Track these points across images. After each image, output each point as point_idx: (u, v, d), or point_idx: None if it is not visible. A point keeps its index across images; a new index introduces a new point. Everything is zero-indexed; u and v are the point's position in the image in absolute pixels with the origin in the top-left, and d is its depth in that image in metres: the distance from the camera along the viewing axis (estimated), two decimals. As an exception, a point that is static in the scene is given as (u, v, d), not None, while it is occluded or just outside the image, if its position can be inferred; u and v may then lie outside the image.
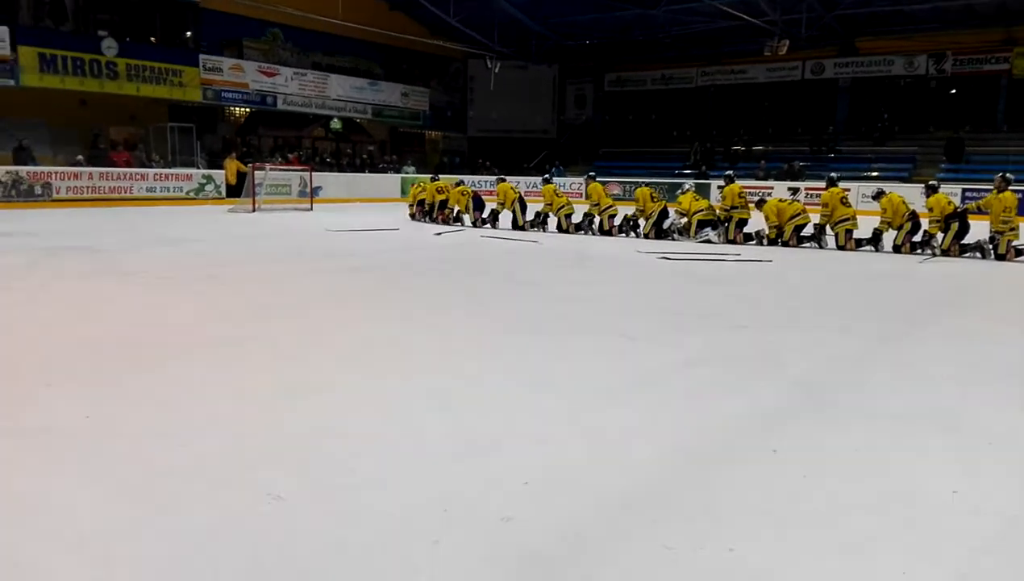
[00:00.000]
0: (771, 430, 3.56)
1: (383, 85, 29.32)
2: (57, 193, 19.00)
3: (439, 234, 13.77)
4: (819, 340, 5.50)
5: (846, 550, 2.44)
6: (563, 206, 14.39)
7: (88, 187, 19.61)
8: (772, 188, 23.00)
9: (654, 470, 3.07)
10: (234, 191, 21.46)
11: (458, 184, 16.84)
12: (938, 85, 26.80)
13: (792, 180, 23.28)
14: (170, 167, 22.24)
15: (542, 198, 14.89)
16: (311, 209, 20.57)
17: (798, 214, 12.27)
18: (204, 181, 22.11)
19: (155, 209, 19.51)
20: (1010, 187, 11.08)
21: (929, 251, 11.25)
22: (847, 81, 28.16)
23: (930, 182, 12.16)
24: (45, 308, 6.32)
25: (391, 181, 27.56)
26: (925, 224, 11.47)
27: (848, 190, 12.78)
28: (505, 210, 15.17)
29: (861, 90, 28.14)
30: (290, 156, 26.62)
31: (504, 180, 15.78)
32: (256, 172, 19.68)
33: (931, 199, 11.31)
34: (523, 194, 15.43)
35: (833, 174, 12.97)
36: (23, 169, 18.75)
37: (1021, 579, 2.31)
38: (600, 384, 4.25)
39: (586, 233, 14.29)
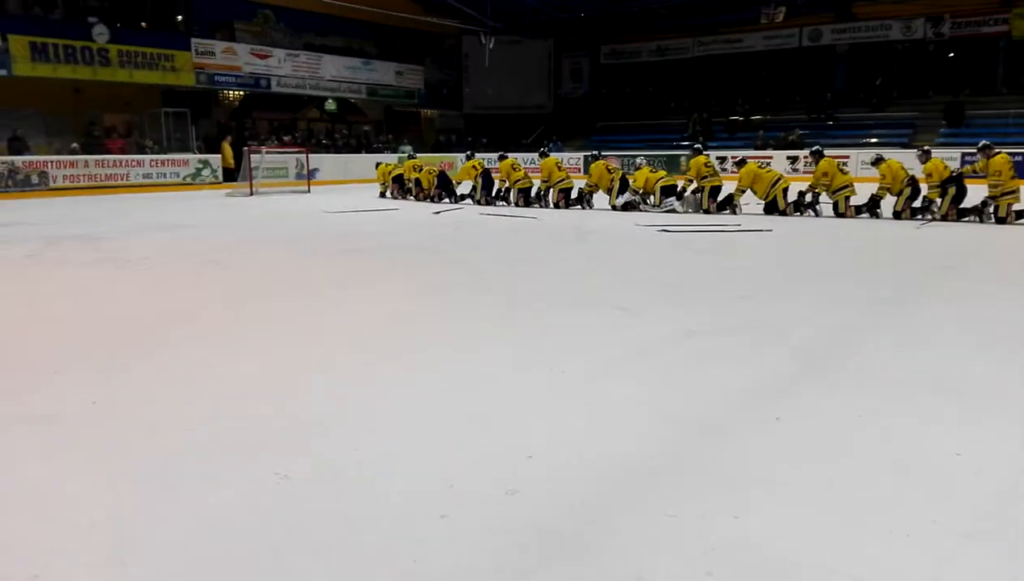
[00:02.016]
0: (774, 398, 3.58)
1: (377, 64, 29.11)
2: (53, 182, 18.95)
3: (438, 213, 13.75)
4: (821, 308, 5.51)
5: (850, 514, 2.46)
6: (520, 180, 14.73)
7: (84, 175, 19.55)
8: (771, 157, 22.95)
9: (657, 440, 3.09)
10: (231, 175, 21.40)
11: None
12: (936, 49, 26.56)
13: (792, 149, 23.22)
14: (165, 153, 22.15)
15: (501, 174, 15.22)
16: (308, 191, 20.51)
17: (777, 180, 12.30)
18: (200, 166, 22.04)
19: (152, 196, 19.46)
20: (1001, 151, 10.98)
21: (928, 216, 11.24)
22: (844, 48, 27.91)
23: (924, 147, 12.12)
24: (49, 297, 6.33)
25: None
26: (924, 189, 11.46)
27: (844, 159, 12.78)
28: (469, 184, 15.88)
29: (859, 56, 27.89)
30: (285, 138, 26.49)
31: (472, 157, 16.24)
32: (252, 155, 19.59)
33: (928, 164, 11.27)
34: (488, 169, 15.74)
35: (817, 147, 12.94)
36: (18, 159, 18.70)
37: (1023, 539, 2.33)
38: (601, 357, 4.26)
39: (542, 206, 14.46)
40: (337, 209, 14.56)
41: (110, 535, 2.38)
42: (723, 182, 13.02)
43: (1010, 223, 10.54)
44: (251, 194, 18.77)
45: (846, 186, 11.89)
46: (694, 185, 13.10)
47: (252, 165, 19.35)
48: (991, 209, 10.79)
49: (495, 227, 11.44)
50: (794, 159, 22.41)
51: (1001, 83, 25.38)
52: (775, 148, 24.33)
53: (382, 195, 17.71)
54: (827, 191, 12.11)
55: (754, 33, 28.54)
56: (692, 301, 5.84)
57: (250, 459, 2.92)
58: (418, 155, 19.20)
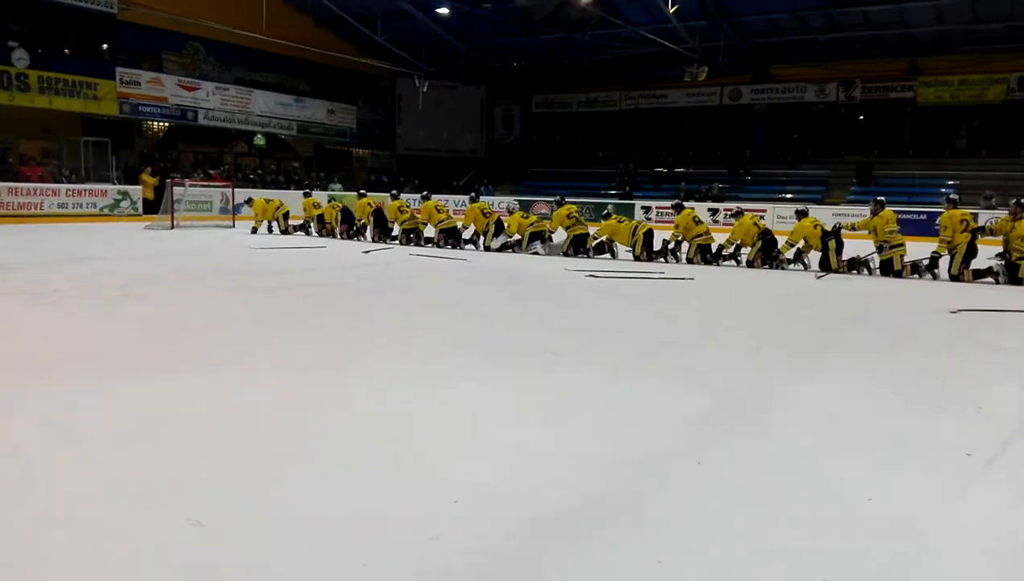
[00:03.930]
0: (697, 444, 3.64)
1: (309, 102, 28.96)
2: (-40, 209, 18.05)
3: (367, 252, 13.64)
4: (740, 355, 5.66)
5: (771, 559, 2.51)
6: (406, 221, 15.48)
7: (-5, 202, 18.69)
8: (693, 208, 23.68)
9: (582, 484, 3.10)
10: (152, 207, 20.80)
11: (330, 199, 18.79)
12: (848, 112, 28.13)
13: (714, 202, 24.10)
14: (83, 182, 21.39)
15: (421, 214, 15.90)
16: (233, 226, 20.09)
17: (635, 229, 13.47)
18: (120, 197, 21.35)
19: (68, 226, 18.69)
20: (887, 206, 11.87)
21: (792, 266, 12.26)
22: (763, 107, 29.28)
23: (799, 208, 13.15)
24: (-55, 329, 5.97)
25: (317, 198, 27.15)
26: (780, 241, 12.55)
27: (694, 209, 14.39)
28: (363, 223, 16.62)
29: (776, 116, 29.30)
30: (212, 172, 25.96)
31: (364, 195, 17.18)
32: (175, 188, 19.12)
33: (799, 225, 12.23)
34: (380, 208, 16.45)
35: (677, 201, 15.19)
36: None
37: (936, 579, 2.42)
38: (529, 400, 4.27)
39: (425, 245, 15.18)
40: (262, 245, 14.28)
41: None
42: (588, 231, 14.11)
43: (905, 276, 11.21)
44: (172, 227, 18.27)
45: (699, 235, 13.00)
46: (560, 233, 14.25)
47: (175, 198, 18.87)
48: (876, 262, 11.57)
49: (424, 268, 11.41)
50: (715, 211, 23.25)
51: (908, 146, 27.00)
52: (697, 201, 25.14)
53: (253, 230, 17.91)
54: (685, 239, 13.21)
55: (678, 90, 29.67)
56: (619, 346, 5.93)
57: (160, 504, 2.80)
58: (345, 193, 19.62)
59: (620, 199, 26.38)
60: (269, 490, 2.95)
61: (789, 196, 25.25)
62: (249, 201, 18.69)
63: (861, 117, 28.17)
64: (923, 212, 20.89)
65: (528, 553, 2.51)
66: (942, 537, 2.72)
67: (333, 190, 26.92)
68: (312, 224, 17.57)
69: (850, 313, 8.21)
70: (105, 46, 23.33)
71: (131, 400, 4.08)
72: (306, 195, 18.48)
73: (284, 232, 17.74)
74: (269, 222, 18.09)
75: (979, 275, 10.86)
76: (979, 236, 11.02)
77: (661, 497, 3.00)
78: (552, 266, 12.09)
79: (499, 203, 25.45)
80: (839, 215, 21.99)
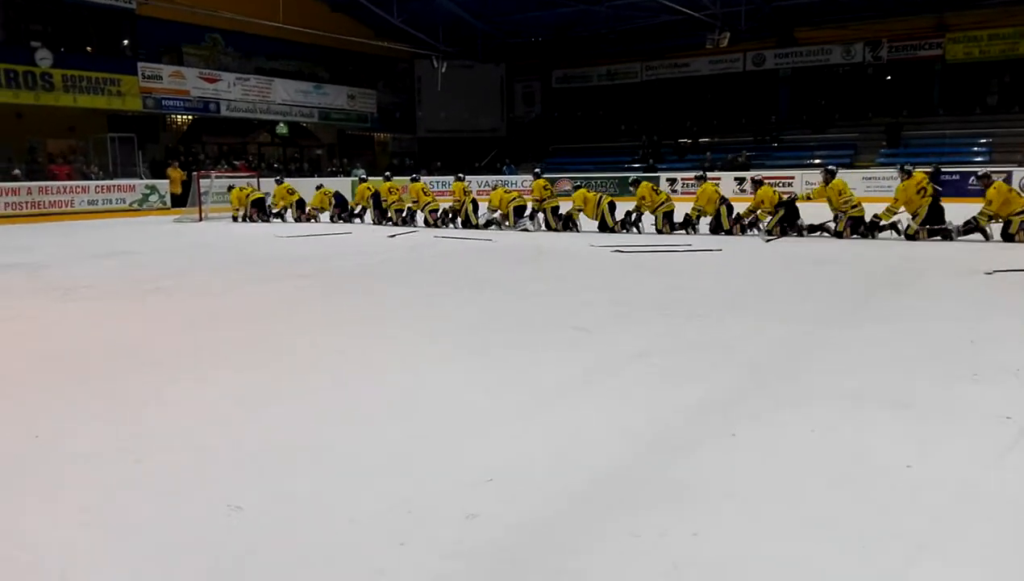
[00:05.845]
0: (730, 415, 3.62)
1: (329, 88, 29.00)
2: (-6, 209, 18.41)
3: (393, 236, 13.69)
4: (768, 325, 5.60)
5: (808, 527, 2.49)
6: (395, 202, 15.96)
7: (27, 202, 19.02)
8: (719, 179, 23.44)
9: (615, 460, 3.10)
10: (180, 200, 21.04)
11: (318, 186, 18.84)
12: (875, 72, 27.50)
13: (740, 171, 23.79)
14: (111, 178, 21.69)
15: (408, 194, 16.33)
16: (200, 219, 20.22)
17: (600, 200, 13.65)
18: (148, 191, 21.62)
19: (98, 222, 18.99)
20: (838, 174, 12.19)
21: (754, 232, 12.54)
22: (787, 71, 28.71)
23: (754, 177, 13.71)
24: (-14, 328, 6.11)
25: (341, 184, 27.23)
26: (740, 207, 13.03)
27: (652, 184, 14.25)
28: (360, 206, 17.08)
29: (801, 80, 28.73)
30: (237, 163, 26.16)
31: (364, 180, 17.57)
32: (201, 180, 19.30)
33: (760, 192, 12.53)
34: (378, 191, 16.60)
35: (636, 176, 15.61)
36: (-44, 186, 18.12)
37: (977, 548, 2.39)
38: (559, 378, 4.27)
39: (416, 226, 15.73)
40: (289, 233, 14.39)
41: (55, 575, 2.29)
42: (560, 203, 14.42)
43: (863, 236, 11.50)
44: (200, 219, 18.45)
45: (663, 204, 13.19)
46: (531, 206, 14.54)
47: (202, 190, 19.05)
48: (832, 225, 11.87)
49: (450, 250, 11.43)
50: (741, 180, 22.96)
51: (938, 104, 26.36)
52: (721, 170, 24.84)
53: (234, 219, 18.02)
54: (649, 210, 13.36)
55: (700, 58, 29.18)
56: (646, 320, 5.90)
57: (202, 490, 2.85)
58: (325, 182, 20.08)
59: (644, 172, 26.13)
60: (306, 474, 2.99)
61: (817, 161, 24.82)
62: (230, 189, 18.69)
63: (889, 77, 27.51)
64: (956, 172, 20.46)
65: (563, 529, 2.52)
66: (981, 502, 2.68)
67: (356, 176, 26.99)
68: (290, 210, 17.68)
69: (881, 278, 8.08)
70: (126, 42, 23.53)
71: (166, 391, 4.15)
72: (278, 182, 18.46)
73: (249, 219, 17.69)
74: (245, 211, 17.93)
75: (934, 234, 11.14)
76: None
77: (696, 470, 2.99)
78: (577, 242, 12.04)
79: (522, 182, 25.36)
80: (868, 178, 21.68)
